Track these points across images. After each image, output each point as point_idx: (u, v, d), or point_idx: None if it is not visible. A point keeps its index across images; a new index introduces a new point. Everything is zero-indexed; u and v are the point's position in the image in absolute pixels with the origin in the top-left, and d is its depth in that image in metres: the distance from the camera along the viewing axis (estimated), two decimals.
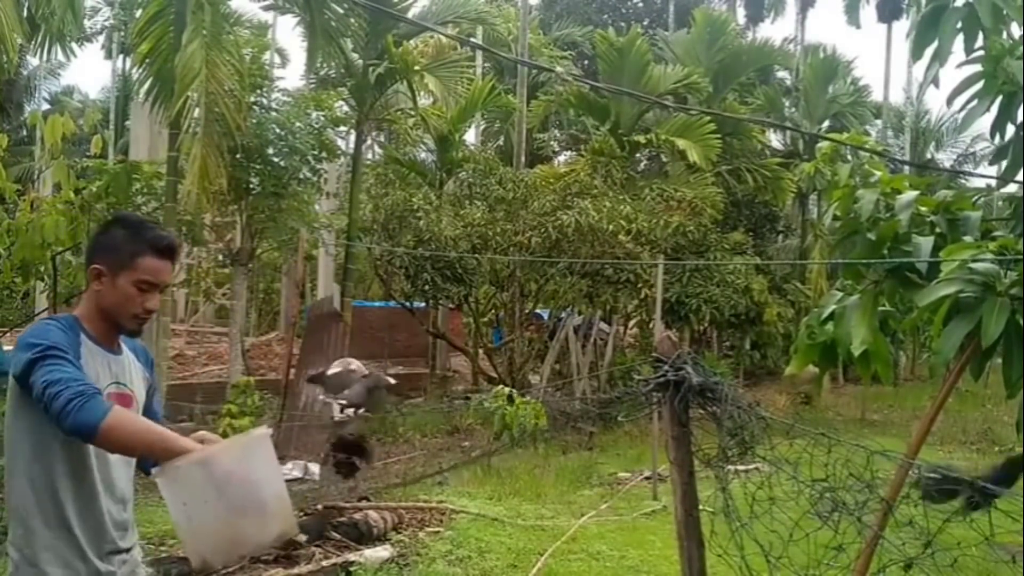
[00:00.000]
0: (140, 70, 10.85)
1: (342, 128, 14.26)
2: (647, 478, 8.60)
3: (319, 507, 6.62)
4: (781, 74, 24.81)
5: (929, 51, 3.36)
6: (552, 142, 22.86)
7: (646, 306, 13.72)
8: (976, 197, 3.63)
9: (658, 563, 5.77)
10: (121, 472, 2.14)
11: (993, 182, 4.12)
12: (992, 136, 3.42)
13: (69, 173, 7.52)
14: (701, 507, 2.81)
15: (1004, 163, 3.41)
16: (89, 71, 78.45)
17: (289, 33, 22.63)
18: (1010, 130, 3.33)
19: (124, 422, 1.88)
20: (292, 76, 77.37)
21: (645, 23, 27.27)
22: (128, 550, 2.17)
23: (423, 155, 18.84)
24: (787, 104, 21.68)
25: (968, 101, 3.33)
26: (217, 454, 1.96)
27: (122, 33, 22.09)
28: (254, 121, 11.25)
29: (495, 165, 14.74)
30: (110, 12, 23.66)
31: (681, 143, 15.57)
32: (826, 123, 20.65)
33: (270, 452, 2.05)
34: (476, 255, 12.73)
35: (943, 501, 2.58)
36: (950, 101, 3.43)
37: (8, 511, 2.05)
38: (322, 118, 12.50)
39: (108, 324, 2.15)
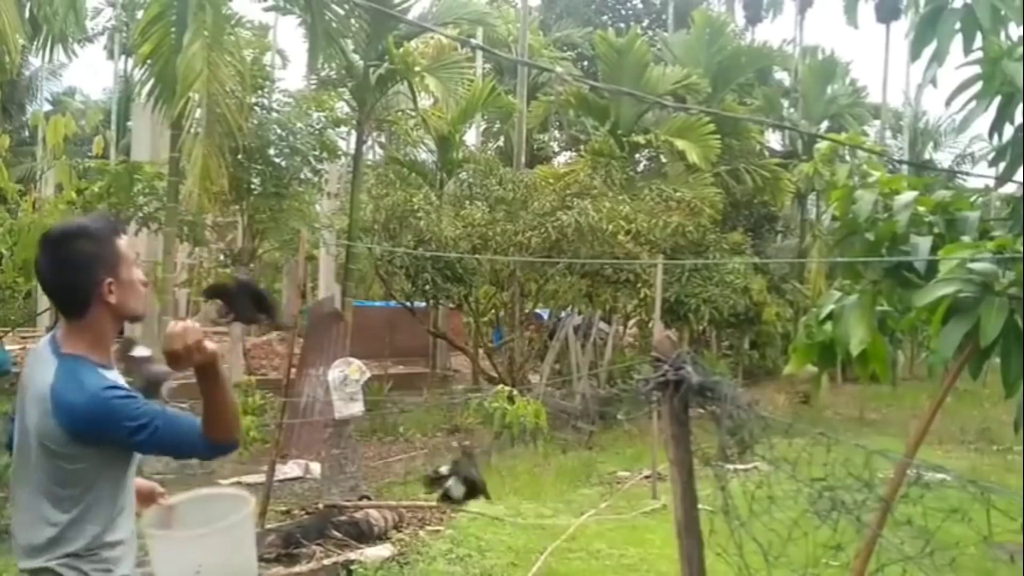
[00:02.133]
0: (142, 71, 10.86)
1: (343, 129, 14.28)
2: (646, 477, 8.61)
3: (320, 506, 6.65)
4: (780, 75, 24.78)
5: (928, 52, 3.37)
6: (552, 142, 22.88)
7: (645, 306, 13.72)
8: (974, 197, 3.64)
9: (657, 561, 5.78)
10: None
11: (991, 182, 4.13)
12: (991, 137, 3.43)
13: (71, 173, 7.55)
14: (700, 506, 2.82)
15: (1003, 164, 3.42)
16: (91, 72, 78.39)
17: (290, 34, 22.69)
18: (1008, 131, 3.34)
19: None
20: (293, 77, 77.37)
21: (644, 24, 27.30)
22: None
23: (423, 155, 18.83)
24: (786, 105, 21.70)
25: (967, 102, 3.34)
26: (212, 536, 2.28)
27: (124, 34, 22.09)
28: (255, 122, 11.28)
29: (495, 165, 14.76)
30: (112, 13, 23.67)
31: (680, 143, 15.59)
32: (825, 123, 20.65)
33: (251, 527, 2.54)
34: (476, 255, 12.74)
35: None
36: (949, 102, 3.44)
37: (63, 538, 1.99)
38: (323, 119, 12.52)
39: (114, 333, 2.12)
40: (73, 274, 2.01)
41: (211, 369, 2.00)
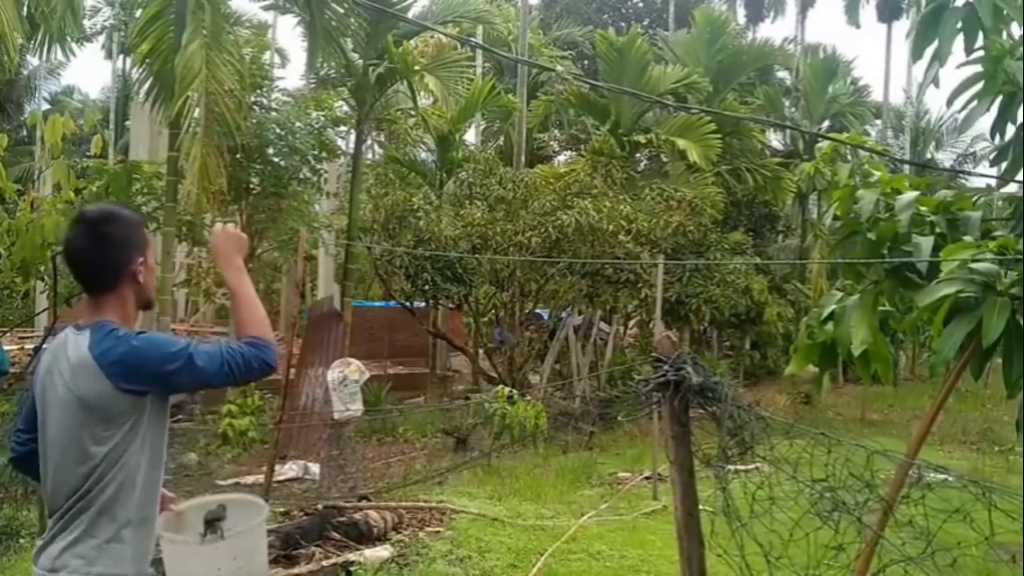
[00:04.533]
0: (140, 70, 10.87)
1: (342, 128, 14.27)
2: (647, 478, 8.60)
3: (319, 507, 6.62)
4: (781, 74, 24.80)
5: (929, 51, 3.35)
6: (552, 142, 22.85)
7: (646, 306, 13.71)
8: (976, 197, 3.62)
9: (658, 563, 5.77)
10: None
11: (993, 182, 4.11)
12: (992, 136, 3.41)
13: (69, 173, 7.50)
14: (701, 507, 2.81)
15: (1005, 164, 3.41)
16: (89, 71, 78.54)
17: (289, 33, 22.65)
18: (1010, 130, 3.33)
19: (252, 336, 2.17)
20: (292, 76, 77.42)
21: (645, 23, 27.29)
22: None
23: (423, 155, 18.84)
24: (787, 104, 21.68)
25: (968, 101, 3.32)
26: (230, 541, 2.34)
27: (122, 33, 22.07)
28: (254, 121, 11.26)
29: (495, 165, 14.74)
30: (110, 12, 23.64)
31: (681, 143, 15.58)
32: (826, 123, 20.66)
33: (264, 533, 2.63)
34: (476, 255, 12.72)
35: None
36: (950, 101, 3.42)
37: (106, 520, 2.03)
38: (322, 118, 12.51)
39: (135, 314, 2.21)
40: (110, 251, 2.13)
41: (242, 268, 2.26)
